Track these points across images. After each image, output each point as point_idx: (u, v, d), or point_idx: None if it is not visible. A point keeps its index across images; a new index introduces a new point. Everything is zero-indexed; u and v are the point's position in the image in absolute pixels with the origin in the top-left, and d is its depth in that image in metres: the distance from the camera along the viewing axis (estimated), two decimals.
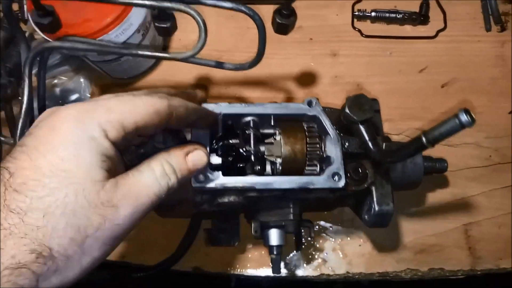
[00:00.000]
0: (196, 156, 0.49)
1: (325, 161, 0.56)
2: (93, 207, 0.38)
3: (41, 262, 0.36)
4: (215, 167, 0.55)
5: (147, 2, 0.60)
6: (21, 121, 0.58)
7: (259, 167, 0.58)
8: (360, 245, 0.79)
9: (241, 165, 0.56)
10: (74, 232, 0.38)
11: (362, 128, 0.53)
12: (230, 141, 0.57)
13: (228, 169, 0.56)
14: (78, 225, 0.38)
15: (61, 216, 0.37)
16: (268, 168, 0.58)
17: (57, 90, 0.88)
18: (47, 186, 0.37)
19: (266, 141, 0.58)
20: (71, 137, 0.39)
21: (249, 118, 0.59)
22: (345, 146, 0.57)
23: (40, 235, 0.36)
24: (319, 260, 0.79)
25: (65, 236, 0.37)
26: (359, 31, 0.88)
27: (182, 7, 0.57)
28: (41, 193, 0.37)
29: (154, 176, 0.44)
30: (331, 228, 0.80)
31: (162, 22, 0.62)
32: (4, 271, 0.34)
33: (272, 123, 0.59)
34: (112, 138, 0.41)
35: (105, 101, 0.42)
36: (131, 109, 0.42)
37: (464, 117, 0.41)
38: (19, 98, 0.67)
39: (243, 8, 0.58)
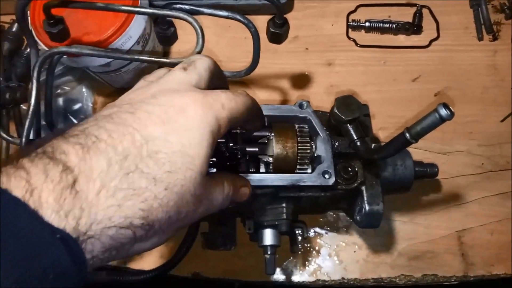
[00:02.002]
0: (245, 192, 0.51)
1: (316, 161, 0.58)
2: (193, 196, 0.40)
3: (145, 229, 0.37)
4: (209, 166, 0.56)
5: (148, 10, 0.63)
6: (27, 122, 0.61)
7: (253, 168, 0.60)
8: (355, 251, 0.80)
9: (234, 163, 0.58)
10: (174, 212, 0.39)
11: (350, 127, 0.55)
12: (224, 140, 0.58)
13: (222, 168, 0.57)
14: (179, 207, 0.39)
15: (175, 195, 0.38)
16: (262, 168, 0.59)
17: (60, 99, 0.91)
18: (174, 164, 0.38)
19: (260, 141, 0.60)
20: (198, 124, 0.40)
21: None
22: (335, 146, 0.59)
23: (156, 204, 0.37)
24: (315, 266, 0.79)
25: (168, 213, 0.38)
26: (354, 40, 0.90)
27: (180, 14, 0.59)
28: (168, 168, 0.38)
29: (223, 193, 0.46)
30: (326, 234, 0.81)
31: (164, 31, 0.64)
32: (113, 228, 0.35)
33: (266, 124, 0.60)
34: (220, 135, 0.42)
35: (218, 96, 0.42)
36: (235, 107, 0.43)
37: (443, 111, 0.42)
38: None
39: (238, 17, 0.61)
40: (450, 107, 0.43)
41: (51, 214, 0.32)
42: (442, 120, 0.43)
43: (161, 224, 0.38)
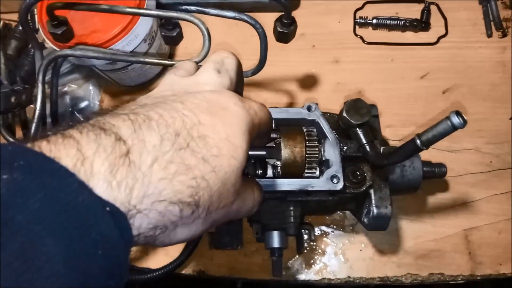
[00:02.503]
0: (260, 198, 0.51)
1: (324, 164, 0.58)
2: (233, 187, 0.40)
3: (191, 208, 0.36)
4: None
5: (153, 12, 0.63)
6: (34, 125, 0.61)
7: (260, 171, 0.59)
8: (361, 250, 0.80)
9: None
10: (216, 198, 0.38)
11: (359, 131, 0.55)
12: None
13: None
14: (221, 195, 0.39)
15: (219, 180, 0.38)
16: (270, 172, 0.59)
17: (67, 97, 0.91)
18: (220, 150, 0.38)
19: (268, 145, 0.59)
20: (240, 122, 0.41)
21: None
22: (344, 150, 0.58)
23: (203, 185, 0.37)
24: (321, 265, 0.80)
25: (211, 198, 0.38)
26: (361, 38, 0.89)
27: (187, 16, 0.59)
28: (215, 152, 0.38)
29: (253, 198, 0.46)
30: (332, 233, 0.81)
31: (169, 32, 0.64)
32: (163, 202, 0.35)
33: (274, 127, 0.60)
34: (251, 140, 0.43)
35: (252, 103, 0.44)
36: (265, 117, 0.45)
37: (456, 119, 0.42)
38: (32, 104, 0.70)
39: (245, 18, 0.60)
40: (463, 115, 0.42)
41: (103, 185, 0.31)
42: (454, 128, 0.43)
43: (204, 208, 0.38)
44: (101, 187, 0.31)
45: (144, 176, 0.34)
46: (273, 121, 0.60)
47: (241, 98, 0.43)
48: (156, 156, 0.35)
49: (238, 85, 0.49)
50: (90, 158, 0.32)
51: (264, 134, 0.48)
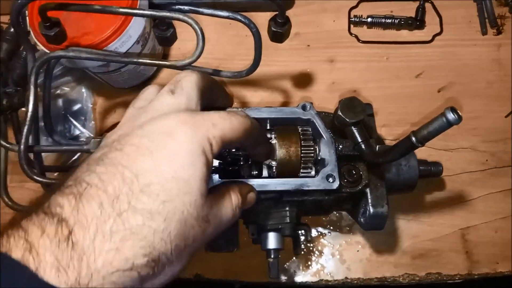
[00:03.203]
0: (252, 197, 0.51)
1: (320, 163, 0.57)
2: (197, 219, 0.39)
3: (150, 266, 0.36)
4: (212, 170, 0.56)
5: (147, 12, 0.62)
6: (26, 128, 0.60)
7: (256, 172, 0.59)
8: (358, 250, 0.80)
9: (237, 168, 0.57)
10: (180, 240, 0.38)
11: (354, 130, 0.54)
12: None
13: (224, 172, 0.56)
14: (185, 234, 0.38)
15: (176, 223, 0.37)
16: (265, 172, 0.59)
17: (60, 100, 0.90)
18: (169, 192, 0.37)
19: None
20: (188, 146, 0.39)
21: None
22: (339, 149, 0.58)
23: (157, 239, 0.36)
24: (318, 266, 0.79)
25: (173, 243, 0.37)
26: (356, 36, 0.89)
27: (180, 16, 0.58)
28: (163, 198, 0.37)
29: (231, 205, 0.45)
30: (329, 234, 0.80)
31: (163, 32, 0.63)
32: (115, 273, 0.34)
33: (268, 127, 0.60)
34: (214, 153, 0.42)
35: (208, 115, 0.42)
36: (229, 126, 0.43)
37: (451, 115, 0.42)
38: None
39: (239, 17, 0.60)
40: (458, 112, 0.42)
41: (50, 272, 0.32)
42: (450, 124, 0.42)
43: (168, 256, 0.37)
44: (50, 274, 0.32)
45: (89, 253, 0.34)
46: (268, 121, 0.60)
47: (192, 113, 0.42)
48: (97, 229, 0.35)
49: (207, 97, 0.47)
50: (36, 246, 0.33)
51: (248, 142, 0.47)
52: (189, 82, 0.46)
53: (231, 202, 0.46)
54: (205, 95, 0.46)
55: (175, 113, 0.42)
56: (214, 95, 0.50)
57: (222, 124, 0.42)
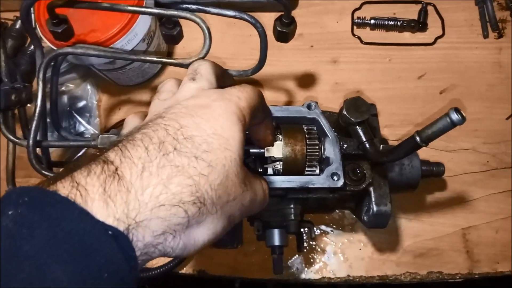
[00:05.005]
0: (268, 189, 0.50)
1: (324, 162, 0.58)
2: (238, 177, 0.40)
3: (197, 206, 0.36)
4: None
5: (155, 11, 0.62)
6: (34, 123, 0.61)
7: (261, 170, 0.60)
8: (360, 249, 0.80)
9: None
10: (223, 191, 0.38)
11: (359, 129, 0.55)
12: None
13: None
14: (227, 187, 0.39)
15: (219, 173, 0.38)
16: (270, 170, 0.59)
17: (65, 97, 0.91)
18: (211, 145, 0.38)
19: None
20: (225, 114, 0.40)
21: None
22: (344, 147, 0.59)
23: (202, 181, 0.37)
24: (321, 264, 0.80)
25: (217, 191, 0.38)
26: (359, 38, 0.90)
27: (188, 15, 0.59)
28: (206, 148, 0.38)
29: (262, 187, 0.46)
30: (332, 232, 0.81)
31: (169, 30, 0.64)
32: (161, 207, 0.35)
33: (274, 125, 0.60)
34: (247, 123, 0.43)
35: (230, 90, 0.44)
36: (249, 96, 0.44)
37: (455, 116, 0.42)
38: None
39: (245, 16, 0.60)
40: (462, 112, 0.43)
41: (98, 204, 0.33)
42: (454, 124, 0.43)
43: (213, 202, 0.37)
44: (98, 207, 0.33)
45: (137, 187, 0.34)
46: (274, 120, 0.60)
47: (219, 90, 0.44)
48: (144, 166, 0.35)
49: (223, 80, 0.49)
50: (82, 182, 0.33)
51: (262, 108, 0.48)
52: (206, 69, 0.47)
53: (262, 184, 0.46)
54: (219, 80, 0.48)
55: (205, 92, 0.43)
56: (225, 81, 0.51)
57: (244, 95, 0.43)
